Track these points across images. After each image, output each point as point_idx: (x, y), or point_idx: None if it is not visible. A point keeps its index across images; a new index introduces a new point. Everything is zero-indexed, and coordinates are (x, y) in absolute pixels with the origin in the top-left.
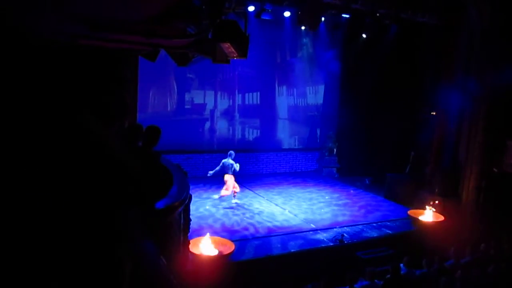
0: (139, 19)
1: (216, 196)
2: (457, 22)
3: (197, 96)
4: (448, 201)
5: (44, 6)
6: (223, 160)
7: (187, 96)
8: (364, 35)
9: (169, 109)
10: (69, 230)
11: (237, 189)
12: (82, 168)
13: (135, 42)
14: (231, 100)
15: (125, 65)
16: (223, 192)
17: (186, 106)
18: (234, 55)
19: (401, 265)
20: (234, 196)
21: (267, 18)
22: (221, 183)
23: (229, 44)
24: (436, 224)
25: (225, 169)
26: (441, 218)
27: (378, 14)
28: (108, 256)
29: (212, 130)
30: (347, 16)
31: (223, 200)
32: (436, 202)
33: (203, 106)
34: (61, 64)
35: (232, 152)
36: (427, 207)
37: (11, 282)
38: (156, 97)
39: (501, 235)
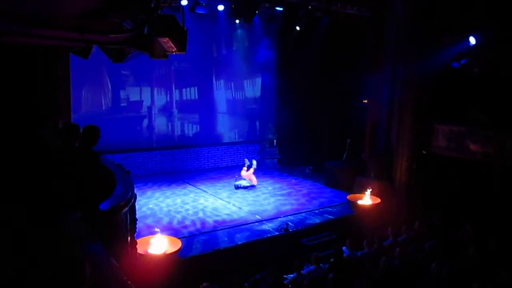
0: (72, 13)
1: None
2: (383, 13)
3: (133, 93)
4: (383, 184)
5: None
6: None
7: (122, 94)
8: (298, 27)
9: (104, 107)
10: (20, 235)
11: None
12: (22, 173)
13: (68, 39)
14: (168, 96)
15: (55, 63)
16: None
17: (122, 104)
18: (173, 50)
19: (344, 248)
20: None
21: (201, 12)
22: (162, 181)
23: (167, 38)
24: (374, 206)
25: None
26: (378, 200)
27: (310, 7)
28: (67, 259)
29: (150, 127)
30: (281, 9)
31: (167, 197)
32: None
33: (139, 103)
34: None
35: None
36: (367, 191)
37: None
38: (89, 95)
39: (432, 213)
